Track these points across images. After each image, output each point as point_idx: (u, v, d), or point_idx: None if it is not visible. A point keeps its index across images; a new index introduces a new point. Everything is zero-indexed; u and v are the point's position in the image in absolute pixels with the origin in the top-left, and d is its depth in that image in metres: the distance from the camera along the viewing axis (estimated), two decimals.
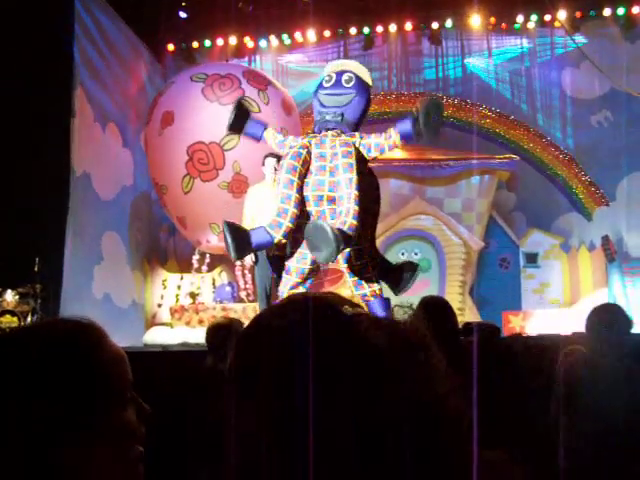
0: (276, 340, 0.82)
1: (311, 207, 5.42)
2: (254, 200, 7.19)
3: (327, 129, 5.47)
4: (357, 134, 5.43)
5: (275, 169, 6.88)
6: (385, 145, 5.47)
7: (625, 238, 10.77)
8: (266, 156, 7.24)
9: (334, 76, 5.59)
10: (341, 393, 0.78)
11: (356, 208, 5.07)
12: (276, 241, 5.22)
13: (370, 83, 5.79)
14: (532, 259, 10.68)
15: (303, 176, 5.35)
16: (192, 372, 4.06)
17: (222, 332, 3.99)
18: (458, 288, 10.03)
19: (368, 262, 5.59)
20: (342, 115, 5.46)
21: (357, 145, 5.35)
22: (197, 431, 3.33)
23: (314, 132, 5.56)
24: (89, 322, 1.08)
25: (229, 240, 5.05)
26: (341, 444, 0.77)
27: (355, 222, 5.03)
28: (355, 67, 5.73)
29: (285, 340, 0.81)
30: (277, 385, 0.79)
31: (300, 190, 5.31)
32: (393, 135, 5.41)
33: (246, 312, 8.26)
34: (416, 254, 10.25)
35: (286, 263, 5.77)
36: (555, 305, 10.40)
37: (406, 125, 5.33)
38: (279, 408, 0.78)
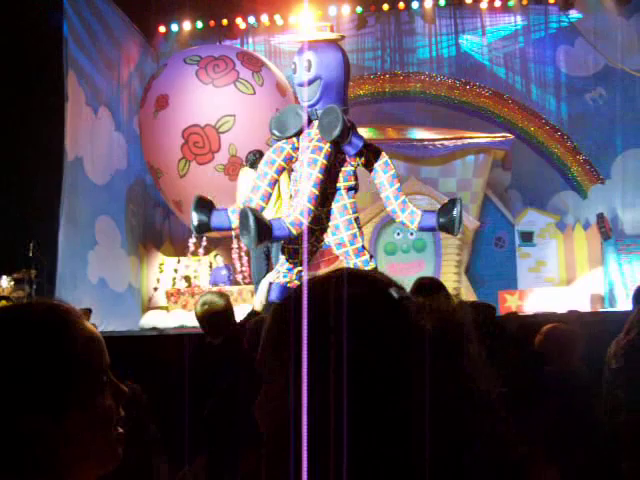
0: (318, 314, 0.79)
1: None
2: (246, 182, 7.16)
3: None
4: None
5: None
6: (384, 179, 5.49)
7: (620, 216, 10.78)
8: (247, 155, 7.32)
9: (296, 61, 5.46)
10: (388, 375, 0.77)
11: (309, 205, 5.12)
12: (234, 226, 5.34)
13: (334, 37, 5.67)
14: (528, 238, 10.68)
15: (281, 170, 5.40)
16: (191, 354, 4.06)
17: (216, 313, 3.99)
18: (454, 268, 10.03)
19: (357, 232, 5.60)
20: (316, 111, 5.39)
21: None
22: (196, 414, 3.33)
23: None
24: (62, 304, 1.06)
25: (193, 214, 5.17)
26: (383, 426, 0.76)
27: (301, 218, 5.09)
28: (312, 37, 5.52)
29: (326, 315, 0.79)
30: (314, 361, 0.77)
31: (272, 184, 5.38)
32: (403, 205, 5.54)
33: (242, 294, 8.26)
34: (411, 234, 10.23)
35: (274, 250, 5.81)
36: (551, 283, 10.42)
37: (430, 219, 5.50)
38: (315, 383, 0.76)
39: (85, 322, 1.05)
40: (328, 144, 5.21)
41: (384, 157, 5.58)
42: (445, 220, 5.50)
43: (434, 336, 0.79)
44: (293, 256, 5.62)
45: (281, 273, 5.64)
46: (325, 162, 5.21)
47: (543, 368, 3.21)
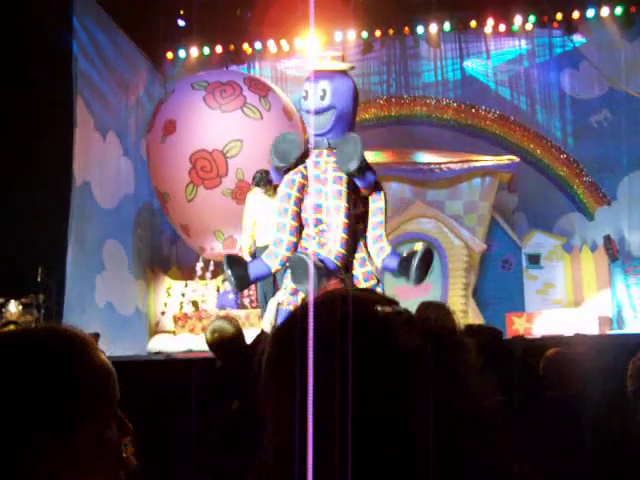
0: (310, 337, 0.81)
1: (310, 229, 5.45)
2: (254, 204, 7.21)
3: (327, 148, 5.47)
4: None
5: (263, 193, 7.06)
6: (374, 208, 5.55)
7: (627, 237, 10.75)
8: (254, 175, 7.36)
9: (309, 88, 5.47)
10: (370, 393, 0.78)
11: (344, 236, 5.13)
12: (273, 271, 5.39)
13: (347, 67, 5.72)
14: (534, 260, 10.66)
15: (300, 201, 5.41)
16: (199, 378, 4.07)
17: (227, 339, 4.00)
18: (461, 290, 10.01)
19: (366, 255, 5.63)
20: (327, 140, 5.42)
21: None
22: (202, 438, 3.33)
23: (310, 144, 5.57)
24: (78, 333, 1.04)
25: (229, 274, 5.31)
26: (370, 440, 0.77)
27: (342, 250, 5.11)
28: (326, 67, 5.56)
29: (319, 338, 0.80)
30: (313, 381, 0.79)
31: (296, 217, 5.38)
32: (380, 245, 5.54)
33: (249, 319, 8.26)
34: None
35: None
36: (559, 305, 10.37)
37: (393, 261, 5.50)
38: (314, 401, 0.78)
39: (99, 352, 1.04)
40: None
41: (381, 201, 5.59)
42: (401, 268, 5.53)
43: (423, 347, 0.80)
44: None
45: (288, 292, 5.66)
46: (348, 191, 5.26)
47: (545, 392, 3.24)
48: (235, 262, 5.37)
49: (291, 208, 5.34)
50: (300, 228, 5.46)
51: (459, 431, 0.78)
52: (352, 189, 5.41)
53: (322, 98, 5.37)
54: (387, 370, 0.79)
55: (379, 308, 0.84)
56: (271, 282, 7.02)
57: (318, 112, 5.41)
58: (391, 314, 0.84)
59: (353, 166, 5.12)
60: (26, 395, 0.94)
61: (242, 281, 5.35)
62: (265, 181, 7.17)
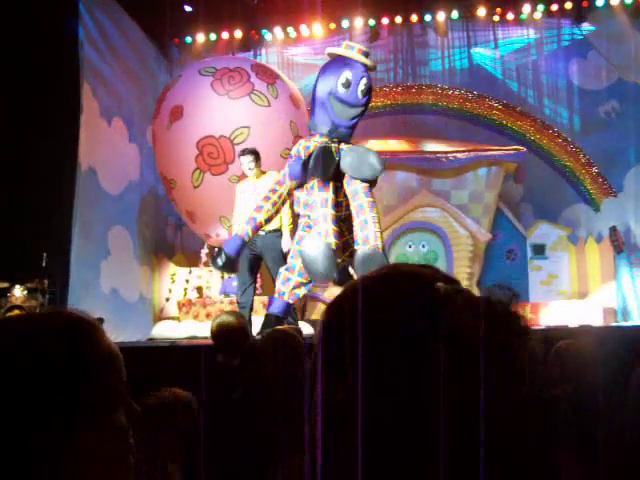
0: (367, 313, 0.79)
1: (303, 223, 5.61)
2: (243, 194, 7.14)
3: (333, 140, 5.47)
4: None
5: (250, 168, 6.95)
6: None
7: (633, 229, 10.72)
8: (240, 154, 7.28)
9: (351, 78, 5.47)
10: (426, 373, 0.75)
11: (334, 228, 5.34)
12: (247, 239, 5.47)
13: (374, 66, 5.77)
14: (539, 251, 10.64)
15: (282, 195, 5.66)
16: (201, 367, 4.06)
17: (233, 333, 3.99)
18: (465, 280, 10.01)
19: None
20: (350, 130, 5.49)
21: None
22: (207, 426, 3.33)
23: (322, 134, 5.56)
24: (85, 317, 1.04)
25: (218, 264, 5.67)
26: (427, 424, 0.75)
27: (337, 241, 5.27)
28: (367, 62, 5.60)
29: (375, 315, 0.79)
30: (365, 360, 0.77)
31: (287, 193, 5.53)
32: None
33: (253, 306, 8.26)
34: (423, 246, 10.24)
35: (289, 260, 5.79)
36: (563, 297, 10.37)
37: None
38: (366, 382, 0.76)
39: (106, 337, 1.04)
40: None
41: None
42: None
43: (486, 329, 0.76)
44: (302, 275, 5.73)
45: (291, 284, 5.70)
46: (335, 183, 5.42)
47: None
48: (216, 254, 5.64)
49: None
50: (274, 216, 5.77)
51: (518, 420, 0.75)
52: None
53: (364, 94, 5.40)
54: (449, 352, 0.75)
55: (441, 286, 0.82)
56: (249, 274, 6.92)
57: (354, 105, 5.42)
58: (453, 292, 0.81)
59: (371, 176, 5.21)
60: (35, 379, 0.94)
61: (227, 262, 5.52)
62: (258, 162, 7.11)
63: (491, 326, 0.76)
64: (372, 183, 5.37)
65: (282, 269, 5.89)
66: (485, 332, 0.75)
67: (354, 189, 5.31)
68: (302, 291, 5.79)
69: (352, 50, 5.60)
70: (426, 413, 0.75)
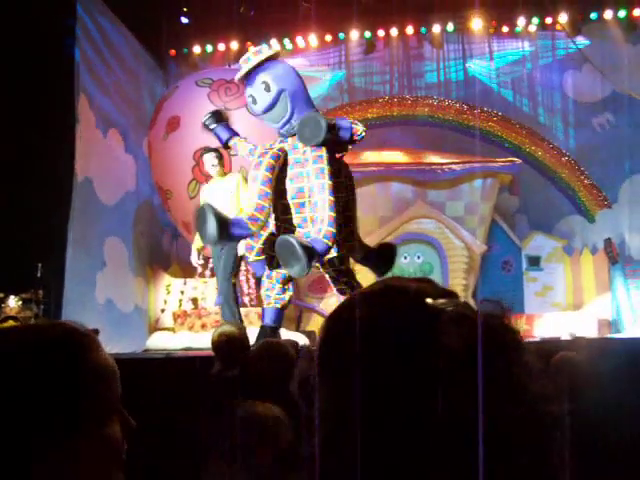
0: (360, 328, 0.80)
1: (292, 215, 5.44)
2: (207, 199, 7.13)
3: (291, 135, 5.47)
4: None
5: (213, 165, 6.97)
6: None
7: (628, 240, 10.76)
8: (202, 153, 7.29)
9: (252, 92, 5.46)
10: (418, 383, 0.76)
11: (331, 214, 5.07)
12: (253, 232, 5.30)
13: (273, 52, 5.67)
14: (535, 262, 10.67)
15: (277, 177, 5.43)
16: (197, 378, 4.06)
17: (232, 343, 3.98)
18: (461, 292, 10.01)
19: (348, 268, 5.67)
20: (289, 131, 5.44)
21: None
22: (204, 436, 3.33)
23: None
24: (80, 328, 1.03)
25: (213, 223, 4.90)
26: (414, 434, 0.75)
27: (331, 229, 5.03)
28: (252, 63, 5.48)
29: (368, 331, 0.79)
30: (361, 372, 0.78)
31: (274, 189, 5.38)
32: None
33: (249, 317, 8.25)
34: (418, 258, 10.24)
35: (266, 267, 5.77)
36: (558, 308, 10.38)
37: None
38: (361, 393, 0.77)
39: (102, 348, 1.03)
40: (323, 149, 5.22)
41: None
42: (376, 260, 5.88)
43: (472, 347, 0.75)
44: (280, 280, 5.70)
45: (275, 290, 5.68)
46: (330, 169, 5.24)
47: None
48: (219, 213, 5.01)
49: (274, 179, 5.36)
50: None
51: (513, 440, 0.74)
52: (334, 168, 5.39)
53: (267, 89, 5.34)
54: (439, 365, 0.75)
55: (434, 302, 0.81)
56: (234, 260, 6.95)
57: (272, 105, 5.39)
58: (441, 308, 0.80)
59: (322, 135, 5.09)
60: (30, 392, 0.94)
61: (223, 234, 4.96)
62: (221, 161, 7.16)
63: (486, 341, 0.76)
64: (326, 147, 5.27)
65: (264, 277, 5.88)
66: (480, 346, 0.75)
67: (308, 170, 5.28)
68: (288, 294, 5.79)
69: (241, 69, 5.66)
70: (420, 421, 0.75)
